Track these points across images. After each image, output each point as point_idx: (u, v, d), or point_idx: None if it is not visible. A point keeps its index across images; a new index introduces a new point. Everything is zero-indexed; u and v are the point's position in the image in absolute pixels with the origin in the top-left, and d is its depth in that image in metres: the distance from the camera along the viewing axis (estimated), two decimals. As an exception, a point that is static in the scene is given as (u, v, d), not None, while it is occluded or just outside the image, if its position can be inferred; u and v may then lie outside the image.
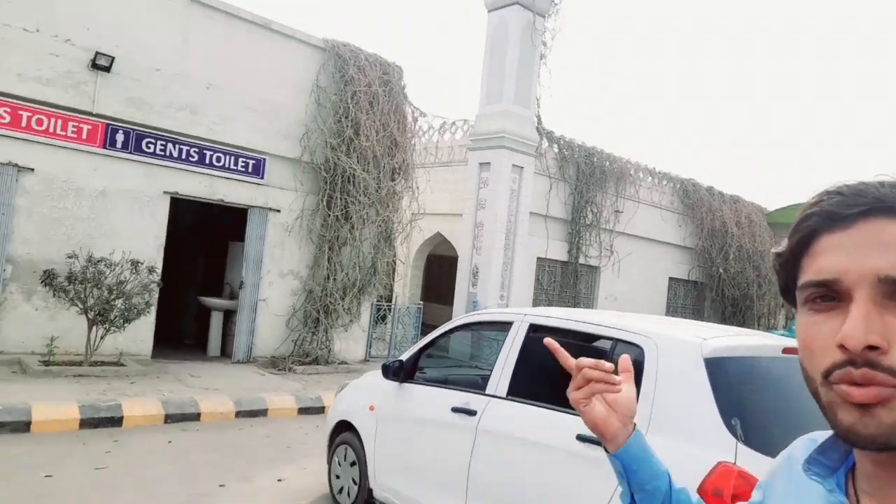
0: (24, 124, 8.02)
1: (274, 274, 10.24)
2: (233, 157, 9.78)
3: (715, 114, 63.79)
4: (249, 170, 9.96)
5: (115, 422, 6.34)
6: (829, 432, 0.73)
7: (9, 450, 5.31)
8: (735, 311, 18.21)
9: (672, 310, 17.37)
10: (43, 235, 8.17)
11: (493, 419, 3.61)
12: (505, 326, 3.91)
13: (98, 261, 7.83)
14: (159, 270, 8.73)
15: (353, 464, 4.66)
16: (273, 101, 10.06)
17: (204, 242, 11.67)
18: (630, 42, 62.32)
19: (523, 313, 3.89)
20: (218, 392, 7.59)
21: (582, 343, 3.55)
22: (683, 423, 2.81)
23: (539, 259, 13.86)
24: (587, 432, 2.99)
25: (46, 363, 7.58)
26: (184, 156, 9.30)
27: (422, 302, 13.59)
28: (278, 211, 10.25)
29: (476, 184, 12.89)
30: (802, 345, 0.69)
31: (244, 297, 9.94)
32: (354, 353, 11.00)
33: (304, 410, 7.56)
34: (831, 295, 0.66)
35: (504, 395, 3.64)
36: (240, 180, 9.86)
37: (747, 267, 18.06)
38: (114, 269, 7.89)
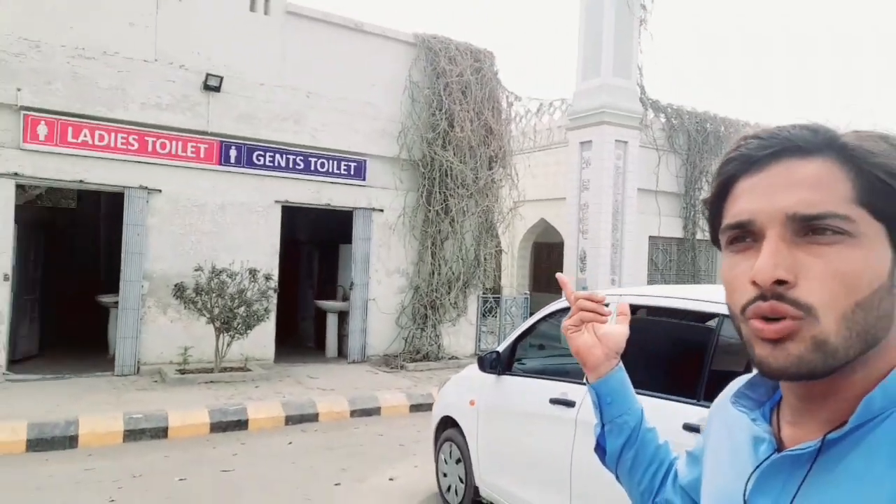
0: (150, 149, 8.67)
1: (381, 273, 10.47)
2: (335, 162, 10.08)
3: (829, 70, 57.79)
4: (352, 172, 10.22)
5: (242, 425, 6.73)
6: None
7: (149, 455, 5.79)
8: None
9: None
10: (173, 251, 8.82)
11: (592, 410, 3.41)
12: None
13: (220, 271, 8.29)
14: (276, 277, 9.15)
15: (458, 461, 4.62)
16: (369, 101, 10.25)
17: (317, 246, 12.16)
18: (743, -6, 57.78)
19: (619, 293, 3.68)
20: (334, 392, 7.87)
21: (693, 322, 3.27)
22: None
23: (651, 238, 13.20)
24: (693, 421, 2.76)
25: (182, 371, 8.19)
26: (291, 165, 9.71)
27: (529, 292, 13.37)
28: (381, 210, 10.45)
29: (578, 164, 12.47)
30: (725, 285, 0.72)
31: (355, 297, 10.24)
32: (464, 348, 11.03)
33: (415, 408, 7.67)
34: (747, 235, 0.70)
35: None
36: (343, 183, 10.15)
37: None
38: (234, 279, 8.37)
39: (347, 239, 10.47)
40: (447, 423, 4.83)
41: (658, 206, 13.20)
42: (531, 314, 11.74)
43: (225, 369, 8.40)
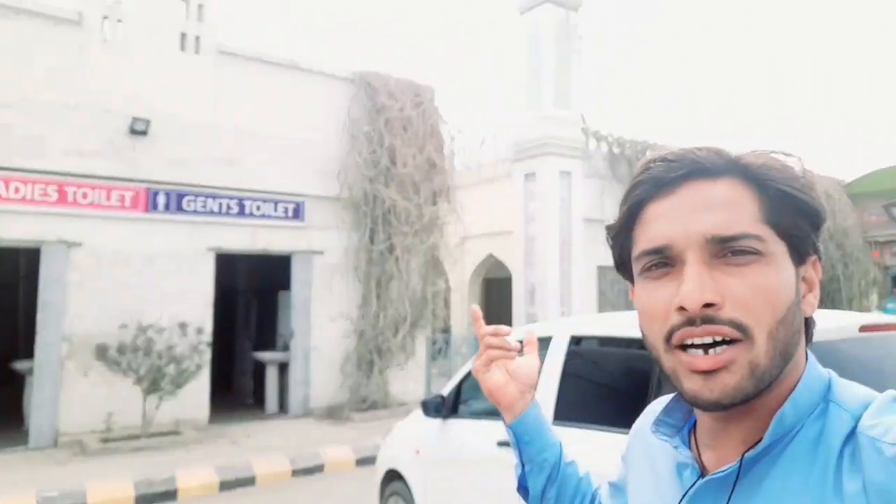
0: (70, 199, 8.07)
1: (324, 318, 9.94)
2: (272, 204, 9.62)
3: (774, 88, 60.94)
4: (290, 214, 9.78)
5: (171, 495, 6.10)
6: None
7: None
8: (824, 295, 16.69)
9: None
10: (96, 308, 8.14)
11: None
12: (543, 343, 3.36)
13: (147, 327, 7.72)
14: (208, 330, 8.57)
15: (405, 518, 4.17)
16: (306, 140, 9.90)
17: (255, 294, 11.57)
18: (673, 19, 60.60)
19: (563, 325, 3.41)
20: (273, 451, 7.28)
21: (641, 350, 2.98)
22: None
23: (600, 268, 13.08)
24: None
25: (105, 440, 7.47)
26: (224, 209, 9.20)
27: (482, 328, 13.00)
28: (321, 253, 9.99)
29: (523, 197, 12.34)
30: (642, 313, 0.71)
31: (295, 346, 9.68)
32: (414, 393, 10.50)
33: (362, 462, 7.13)
34: (664, 261, 0.69)
35: (550, 420, 3.08)
36: (281, 226, 9.69)
37: (830, 246, 16.63)
38: (162, 334, 7.77)
39: (287, 284, 9.94)
40: (392, 477, 4.39)
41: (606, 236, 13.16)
42: (484, 352, 11.40)
43: (153, 434, 7.70)
